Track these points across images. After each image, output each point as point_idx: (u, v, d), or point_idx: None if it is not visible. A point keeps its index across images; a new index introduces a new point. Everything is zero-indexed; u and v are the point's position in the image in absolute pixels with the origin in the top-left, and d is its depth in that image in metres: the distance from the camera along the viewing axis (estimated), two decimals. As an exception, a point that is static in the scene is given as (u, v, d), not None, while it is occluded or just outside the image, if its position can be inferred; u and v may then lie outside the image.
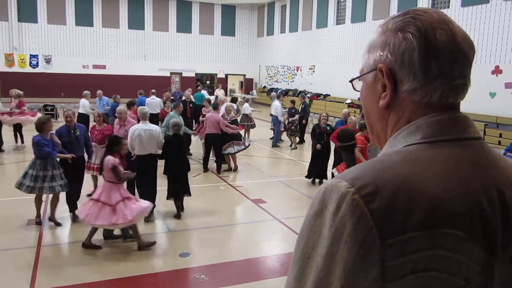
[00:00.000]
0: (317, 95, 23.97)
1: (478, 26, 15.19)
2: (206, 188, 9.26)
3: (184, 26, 29.43)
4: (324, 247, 0.78)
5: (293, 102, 14.59)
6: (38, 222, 6.58)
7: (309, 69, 25.60)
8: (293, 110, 14.06)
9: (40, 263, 5.42)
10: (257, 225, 7.19)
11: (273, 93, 17.66)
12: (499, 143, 13.55)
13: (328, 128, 9.58)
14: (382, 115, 0.93)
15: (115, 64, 27.74)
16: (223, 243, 6.42)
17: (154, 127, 7.10)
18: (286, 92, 26.67)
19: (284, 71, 28.34)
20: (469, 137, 0.87)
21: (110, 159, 5.67)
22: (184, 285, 5.09)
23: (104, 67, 27.63)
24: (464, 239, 0.76)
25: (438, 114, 0.87)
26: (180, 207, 7.15)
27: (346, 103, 20.95)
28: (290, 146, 14.02)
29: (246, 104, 14.53)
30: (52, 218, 6.63)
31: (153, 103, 13.18)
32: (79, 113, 12.37)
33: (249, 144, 11.11)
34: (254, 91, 29.77)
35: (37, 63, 26.42)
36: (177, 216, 7.08)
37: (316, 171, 9.53)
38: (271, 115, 14.33)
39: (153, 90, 14.57)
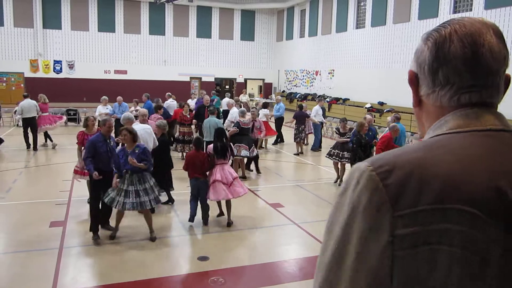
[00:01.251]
0: (336, 100, 23.86)
1: (502, 29, 14.90)
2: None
3: (204, 31, 29.70)
4: (343, 219, 0.88)
5: (300, 107, 13.96)
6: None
7: (328, 73, 25.50)
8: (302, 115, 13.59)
9: (62, 264, 5.53)
10: (275, 230, 7.18)
11: (278, 97, 17.33)
12: None
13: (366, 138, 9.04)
14: (417, 114, 1.05)
15: (136, 69, 28.17)
16: (241, 247, 6.43)
17: (147, 126, 7.68)
18: (305, 97, 26.62)
19: (303, 76, 28.30)
20: (498, 128, 0.91)
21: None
22: (202, 288, 5.12)
23: (125, 72, 28.09)
24: (482, 218, 0.79)
25: (466, 108, 0.93)
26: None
27: (366, 108, 20.79)
28: (296, 153, 13.40)
29: (265, 110, 14.37)
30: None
31: (171, 106, 13.45)
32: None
33: (256, 155, 10.48)
34: (273, 95, 29.79)
35: (61, 68, 27.02)
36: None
37: None
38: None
39: (169, 93, 14.72)
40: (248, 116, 10.73)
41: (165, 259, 5.87)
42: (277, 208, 8.15)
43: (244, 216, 7.89)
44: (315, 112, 14.24)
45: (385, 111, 19.54)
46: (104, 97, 13.76)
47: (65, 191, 8.71)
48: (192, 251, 6.16)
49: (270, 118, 14.70)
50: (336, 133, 10.28)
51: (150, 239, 6.27)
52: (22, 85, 26.10)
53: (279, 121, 14.81)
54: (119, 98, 13.61)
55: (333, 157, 9.92)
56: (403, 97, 19.42)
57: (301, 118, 13.43)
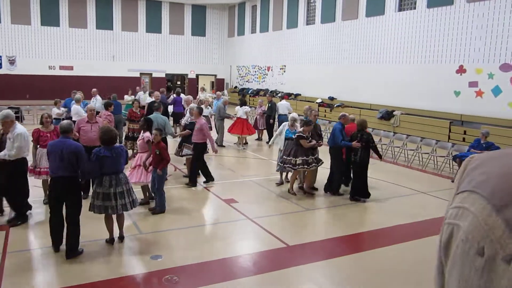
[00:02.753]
0: (288, 95, 24.14)
1: (443, 27, 15.64)
2: (178, 189, 9.19)
3: (154, 26, 29.10)
4: None
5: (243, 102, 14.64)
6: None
7: (280, 69, 25.76)
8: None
9: (6, 268, 5.27)
10: (229, 225, 7.19)
11: (219, 93, 16.77)
12: (464, 139, 14.00)
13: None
14: None
15: (83, 65, 27.16)
16: (195, 243, 6.38)
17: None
18: (257, 92, 26.75)
19: (255, 71, 28.42)
20: None
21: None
22: (156, 287, 5.04)
23: (71, 68, 27.01)
24: None
25: None
26: None
27: (317, 103, 21.20)
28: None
29: (245, 108, 14.14)
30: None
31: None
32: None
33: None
34: (226, 91, 29.72)
35: (1, 64, 25.57)
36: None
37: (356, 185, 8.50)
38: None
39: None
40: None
41: (117, 259, 5.72)
42: (231, 204, 8.15)
43: (197, 213, 7.85)
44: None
45: (335, 105, 20.00)
46: (78, 96, 12.97)
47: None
48: (144, 250, 6.04)
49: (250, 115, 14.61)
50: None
51: (113, 240, 6.10)
52: (-43, 81, 24.48)
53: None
54: (94, 90, 14.03)
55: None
56: (352, 92, 19.97)
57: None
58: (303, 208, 8.08)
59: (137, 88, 14.78)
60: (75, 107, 11.59)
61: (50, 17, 26.22)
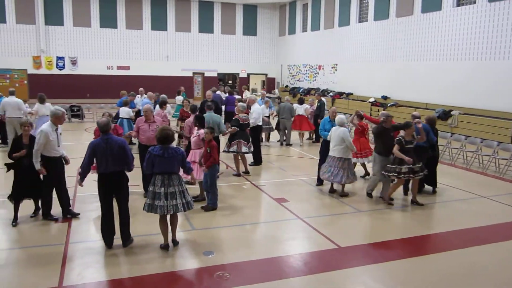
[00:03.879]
0: (340, 94, 23.79)
1: (505, 22, 14.83)
2: (229, 187, 9.30)
3: (206, 26, 29.64)
4: None
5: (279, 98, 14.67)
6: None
7: (332, 67, 25.43)
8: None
9: (68, 259, 5.55)
10: (280, 224, 7.18)
11: (263, 92, 16.73)
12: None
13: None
14: None
15: (138, 65, 28.18)
16: (246, 241, 6.43)
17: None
18: (308, 91, 26.57)
19: (306, 70, 28.22)
20: None
21: None
22: (208, 283, 5.12)
23: (128, 68, 28.09)
24: None
25: None
26: None
27: (369, 102, 20.74)
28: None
29: (305, 105, 14.40)
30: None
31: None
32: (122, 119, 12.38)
33: (252, 151, 10.34)
34: (276, 90, 29.74)
35: (64, 65, 27.04)
36: None
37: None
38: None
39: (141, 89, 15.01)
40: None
41: (170, 254, 5.87)
42: (282, 203, 8.14)
43: (248, 211, 7.90)
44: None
45: (388, 105, 19.47)
46: (125, 97, 13.51)
47: (70, 187, 8.71)
48: (197, 246, 6.16)
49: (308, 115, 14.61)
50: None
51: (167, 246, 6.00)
52: (25, 81, 26.15)
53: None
54: (141, 89, 14.32)
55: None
56: (406, 91, 19.36)
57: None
58: (355, 209, 7.93)
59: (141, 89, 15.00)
60: (124, 109, 12.13)
61: (108, 19, 27.40)
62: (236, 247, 6.16)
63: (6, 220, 6.97)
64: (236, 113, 10.28)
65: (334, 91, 24.42)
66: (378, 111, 19.74)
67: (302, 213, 7.59)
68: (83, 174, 5.97)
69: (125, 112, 12.34)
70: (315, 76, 27.29)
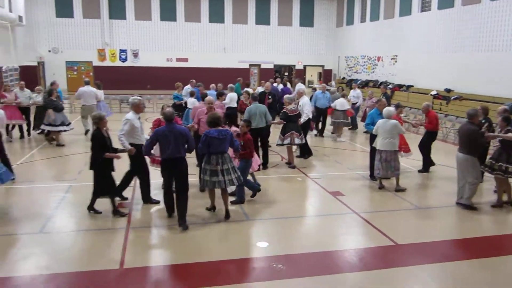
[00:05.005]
0: (399, 86, 23.00)
1: None
2: (284, 179, 9.30)
3: (263, 18, 29.67)
4: None
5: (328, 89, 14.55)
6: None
7: (391, 59, 24.61)
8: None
9: (129, 243, 5.80)
10: (335, 218, 7.09)
11: (324, 85, 15.66)
12: None
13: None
14: None
15: (197, 57, 28.79)
16: (300, 234, 6.41)
17: None
18: (366, 83, 25.92)
19: (365, 62, 27.52)
20: None
21: None
22: (261, 273, 5.16)
23: (186, 60, 28.78)
24: None
25: None
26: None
27: (431, 95, 19.89)
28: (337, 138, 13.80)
29: (342, 100, 13.99)
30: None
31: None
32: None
33: (305, 142, 10.51)
34: (333, 82, 29.28)
35: (126, 57, 28.17)
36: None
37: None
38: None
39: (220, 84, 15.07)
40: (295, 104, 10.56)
41: (225, 243, 5.98)
42: (337, 197, 8.03)
43: (303, 204, 7.86)
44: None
45: (452, 98, 18.56)
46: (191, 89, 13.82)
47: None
48: (251, 236, 6.22)
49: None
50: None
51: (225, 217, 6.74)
52: (91, 73, 27.51)
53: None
54: (192, 81, 14.53)
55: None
56: (472, 83, 18.36)
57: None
58: (414, 205, 7.66)
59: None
60: (191, 100, 12.40)
61: (168, 13, 28.16)
62: (290, 239, 6.16)
63: (75, 204, 7.40)
64: (284, 105, 10.27)
65: (393, 83, 23.64)
66: (441, 104, 18.89)
67: (357, 207, 7.45)
68: (144, 151, 6.71)
69: (191, 102, 12.65)
70: (373, 68, 26.56)
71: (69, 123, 12.50)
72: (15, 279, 4.93)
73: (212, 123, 6.55)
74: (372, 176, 9.07)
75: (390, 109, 8.39)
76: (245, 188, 7.56)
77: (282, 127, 10.06)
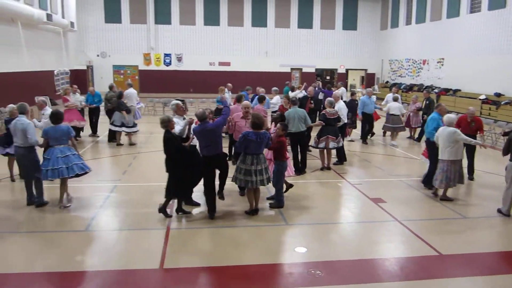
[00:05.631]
0: (446, 91, 22.25)
1: None
2: (323, 184, 9.20)
3: (305, 21, 29.56)
4: None
5: (354, 94, 13.99)
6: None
7: (437, 62, 23.86)
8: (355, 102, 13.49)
9: (169, 243, 5.92)
10: (376, 225, 6.93)
11: (369, 90, 15.02)
12: None
13: None
14: None
15: (239, 60, 29.04)
16: (339, 240, 6.32)
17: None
18: (410, 88, 25.26)
19: (409, 65, 26.83)
20: None
21: None
22: (299, 279, 5.12)
23: (228, 64, 29.09)
24: None
25: None
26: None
27: (480, 99, 19.12)
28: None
29: (398, 104, 13.65)
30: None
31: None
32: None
33: (342, 145, 10.36)
34: (376, 86, 28.72)
35: (170, 61, 28.82)
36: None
37: None
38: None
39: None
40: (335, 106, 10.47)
41: (263, 246, 5.97)
42: (379, 203, 7.85)
43: (342, 209, 7.74)
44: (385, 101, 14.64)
45: (502, 103, 17.76)
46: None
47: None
48: (289, 241, 6.19)
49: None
50: None
51: (254, 211, 7.06)
52: (136, 77, 28.34)
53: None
54: (229, 85, 14.79)
55: None
56: (525, 88, 17.49)
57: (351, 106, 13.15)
58: (460, 215, 7.37)
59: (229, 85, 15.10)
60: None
61: (212, 17, 28.60)
62: (329, 245, 6.08)
63: (119, 203, 7.65)
64: (325, 107, 10.34)
65: (439, 88, 22.91)
66: (490, 109, 18.13)
67: (400, 215, 7.25)
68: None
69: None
70: (418, 71, 25.84)
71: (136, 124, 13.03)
72: (61, 274, 5.13)
73: (255, 125, 6.76)
74: (426, 183, 8.73)
75: (451, 116, 8.02)
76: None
77: (319, 130, 10.08)
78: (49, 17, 20.27)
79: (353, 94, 13.95)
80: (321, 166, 10.27)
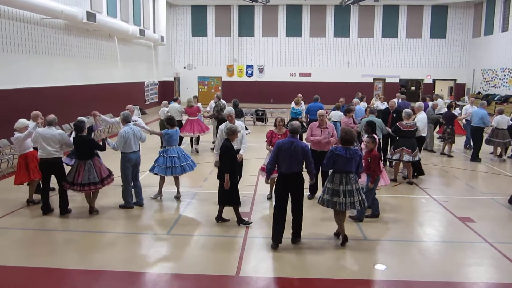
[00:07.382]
0: (548, 102, 20.30)
1: None
2: (406, 199, 8.80)
3: (389, 30, 28.72)
4: None
5: (451, 106, 13.14)
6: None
7: (538, 71, 21.86)
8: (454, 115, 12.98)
9: (246, 253, 6.01)
10: (463, 246, 6.47)
11: (355, 99, 14.55)
12: None
13: None
14: None
15: (320, 71, 28.92)
16: (422, 259, 5.98)
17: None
18: (506, 99, 23.40)
19: (505, 75, 24.89)
20: None
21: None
22: (377, 297, 4.94)
23: (309, 74, 29.09)
24: None
25: None
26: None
27: None
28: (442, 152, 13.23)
29: (506, 117, 12.37)
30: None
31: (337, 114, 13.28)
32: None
33: (418, 159, 9.74)
34: (466, 97, 26.97)
35: (252, 72, 29.50)
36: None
37: None
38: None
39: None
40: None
41: (341, 261, 5.85)
42: (466, 223, 7.34)
43: (426, 227, 7.34)
44: (464, 111, 14.02)
45: None
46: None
47: (251, 185, 9.44)
48: (368, 257, 5.99)
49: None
50: None
51: (344, 239, 6.31)
52: (219, 88, 29.34)
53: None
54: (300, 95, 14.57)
55: None
56: None
57: (449, 118, 12.92)
58: (562, 240, 6.66)
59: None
60: (336, 113, 13.34)
61: (294, 29, 28.85)
62: (410, 264, 5.79)
63: (199, 210, 7.93)
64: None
65: (540, 99, 20.95)
66: None
67: (490, 236, 6.71)
68: (269, 172, 6.45)
69: (338, 115, 13.11)
70: (515, 82, 23.86)
71: None
72: (144, 275, 5.43)
73: (345, 141, 6.18)
74: None
75: None
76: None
77: (396, 142, 9.79)
78: (142, 32, 21.80)
79: (450, 106, 13.16)
80: (407, 180, 9.86)
